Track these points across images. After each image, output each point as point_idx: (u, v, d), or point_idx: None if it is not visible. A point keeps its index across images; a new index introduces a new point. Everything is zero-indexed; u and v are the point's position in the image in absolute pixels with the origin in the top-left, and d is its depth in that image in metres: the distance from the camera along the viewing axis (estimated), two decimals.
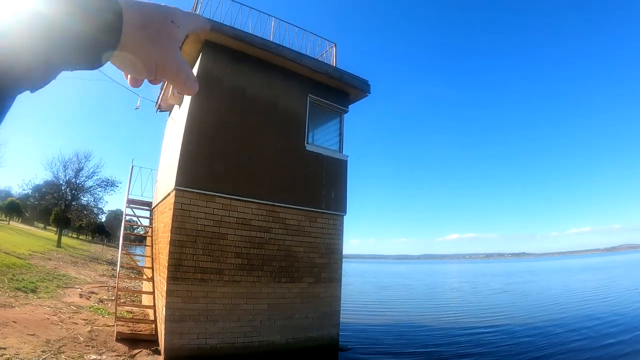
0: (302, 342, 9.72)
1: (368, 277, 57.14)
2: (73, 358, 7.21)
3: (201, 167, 9.00)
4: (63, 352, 7.40)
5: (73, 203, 42.38)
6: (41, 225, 75.01)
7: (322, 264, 10.42)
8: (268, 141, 10.10)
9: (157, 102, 13.89)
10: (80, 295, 14.53)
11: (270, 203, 9.68)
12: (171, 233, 8.37)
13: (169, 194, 9.38)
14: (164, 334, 8.14)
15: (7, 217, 63.14)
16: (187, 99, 9.75)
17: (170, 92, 11.15)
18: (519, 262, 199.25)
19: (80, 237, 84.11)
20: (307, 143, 10.71)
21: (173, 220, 8.43)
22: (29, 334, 8.07)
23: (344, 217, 11.13)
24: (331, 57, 11.94)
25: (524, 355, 10.76)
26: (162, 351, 8.25)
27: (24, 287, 12.93)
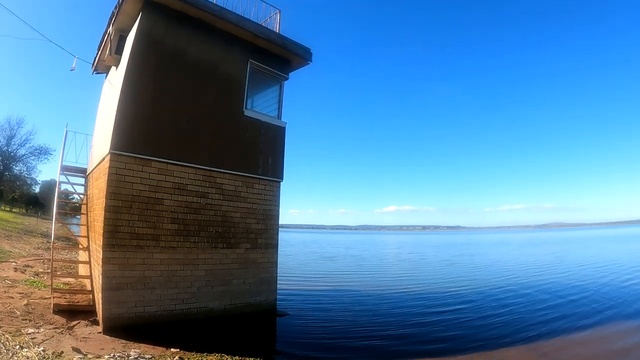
0: (240, 308, 9.90)
1: (311, 247, 56.69)
2: (10, 332, 6.98)
3: (137, 130, 8.74)
4: None
5: (5, 173, 40.05)
6: None
7: (258, 229, 10.54)
8: (207, 106, 9.96)
9: (93, 63, 13.23)
10: (15, 269, 14.06)
11: (207, 168, 9.63)
12: (106, 199, 8.18)
13: (103, 159, 9.10)
14: (102, 304, 8.06)
15: None
16: (125, 60, 9.40)
17: (107, 52, 10.70)
18: (455, 234, 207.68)
19: (14, 210, 79.30)
20: (246, 109, 10.66)
21: (108, 186, 8.22)
22: None
23: (281, 183, 11.28)
24: (275, 23, 11.80)
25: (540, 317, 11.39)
26: (101, 321, 8.18)
27: None
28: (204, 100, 9.93)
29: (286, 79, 11.85)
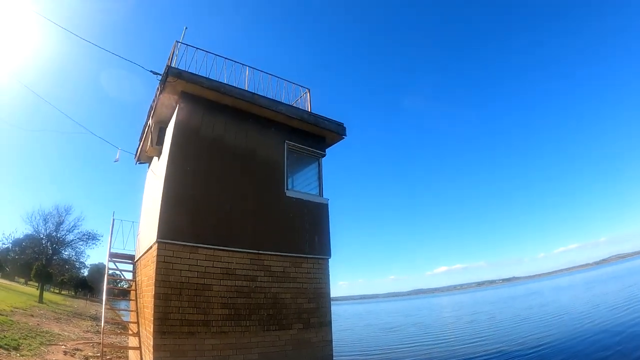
0: None
1: (367, 319, 54.08)
2: None
3: (182, 218, 8.96)
4: None
5: (54, 257, 41.47)
6: (22, 280, 72.31)
7: (310, 309, 10.29)
8: (248, 189, 10.16)
9: (136, 154, 13.92)
10: (65, 353, 14.13)
11: (254, 251, 9.64)
12: (155, 286, 8.24)
13: (151, 247, 9.29)
14: None
15: None
16: (166, 150, 9.80)
17: (149, 143, 11.21)
18: (512, 286, 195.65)
19: (63, 292, 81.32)
20: (287, 189, 10.81)
21: (156, 273, 8.31)
22: None
23: (329, 260, 11.13)
24: (306, 102, 12.22)
25: None
26: None
27: (6, 344, 12.52)
28: (246, 184, 10.15)
29: (323, 155, 12.05)
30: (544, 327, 20.63)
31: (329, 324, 10.65)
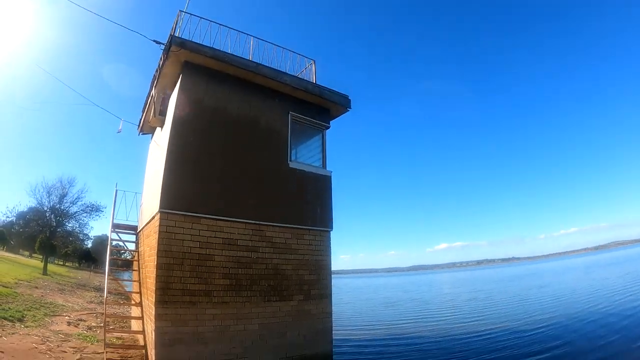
0: None
1: (366, 293, 54.70)
2: None
3: (185, 188, 8.94)
4: None
5: (58, 229, 41.83)
6: (26, 253, 73.48)
7: (311, 280, 10.36)
8: (251, 160, 10.08)
9: (139, 125, 13.84)
10: (69, 323, 14.27)
11: (255, 222, 9.64)
12: (157, 256, 8.29)
13: (153, 217, 9.31)
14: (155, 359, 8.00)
15: None
16: (169, 121, 9.72)
17: (152, 114, 11.12)
18: (512, 266, 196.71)
19: (67, 264, 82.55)
20: (290, 160, 10.74)
21: (159, 244, 8.35)
22: None
23: (331, 232, 11.13)
24: (311, 74, 12.05)
25: None
26: None
27: (10, 316, 12.67)
28: (249, 154, 10.07)
29: (327, 127, 11.92)
30: (543, 309, 20.65)
31: (329, 296, 10.74)
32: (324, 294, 10.61)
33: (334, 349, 10.74)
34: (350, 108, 12.17)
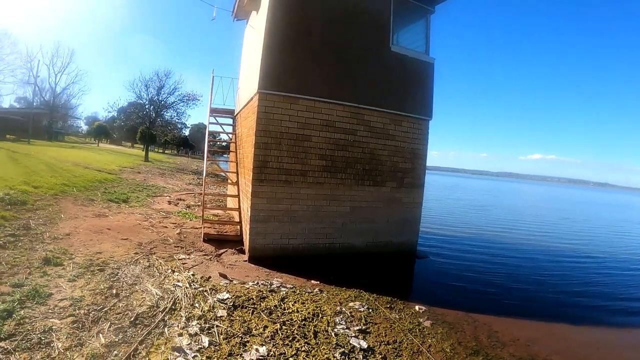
0: (381, 247, 9.90)
1: (456, 192, 53.05)
2: (163, 258, 7.67)
3: (283, 69, 8.77)
4: (154, 253, 7.92)
5: (157, 120, 44.23)
6: (129, 144, 79.25)
7: (405, 168, 10.21)
8: (351, 41, 9.53)
9: (233, 11, 13.61)
10: (169, 202, 15.27)
11: (355, 105, 9.39)
12: (255, 136, 8.49)
13: (252, 98, 9.41)
14: (249, 234, 8.58)
15: (97, 140, 67.31)
16: (265, 2, 9.36)
17: None
18: (606, 192, 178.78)
19: (166, 151, 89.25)
20: (392, 44, 9.99)
21: (257, 123, 8.49)
22: (122, 239, 8.68)
23: (430, 122, 10.64)
24: None
25: None
26: (247, 250, 8.76)
27: (116, 198, 13.76)
28: (349, 37, 9.52)
29: (432, 12, 10.76)
30: None
31: (421, 186, 10.63)
32: (416, 184, 10.49)
33: (419, 240, 10.91)
34: None
